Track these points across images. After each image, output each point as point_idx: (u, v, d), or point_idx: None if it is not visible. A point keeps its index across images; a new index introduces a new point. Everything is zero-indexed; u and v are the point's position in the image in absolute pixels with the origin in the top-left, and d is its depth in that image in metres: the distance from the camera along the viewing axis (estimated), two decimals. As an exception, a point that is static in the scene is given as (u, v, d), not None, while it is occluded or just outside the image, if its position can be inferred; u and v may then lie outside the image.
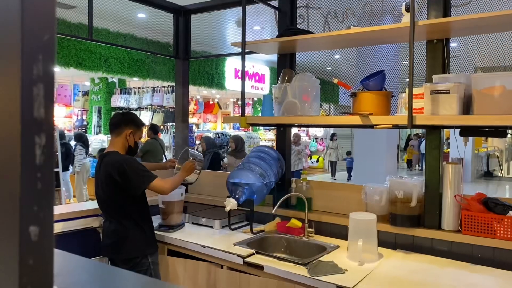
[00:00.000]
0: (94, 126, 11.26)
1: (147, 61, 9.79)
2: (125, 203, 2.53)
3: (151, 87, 10.22)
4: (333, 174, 13.63)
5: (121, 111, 3.22)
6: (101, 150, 7.43)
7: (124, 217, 2.54)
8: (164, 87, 10.02)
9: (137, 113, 10.32)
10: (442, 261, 2.31)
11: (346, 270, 2.15)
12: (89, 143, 9.23)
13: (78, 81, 11.70)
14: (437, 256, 2.38)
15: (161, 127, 9.94)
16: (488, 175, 14.91)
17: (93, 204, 2.77)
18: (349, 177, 12.85)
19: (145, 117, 10.13)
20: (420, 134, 16.76)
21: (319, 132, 15.33)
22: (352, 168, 12.73)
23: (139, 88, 10.54)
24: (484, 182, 13.99)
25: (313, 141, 15.23)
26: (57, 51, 8.18)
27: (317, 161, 14.98)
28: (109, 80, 10.87)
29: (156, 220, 2.96)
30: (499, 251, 2.22)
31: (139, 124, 2.67)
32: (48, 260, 0.35)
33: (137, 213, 2.57)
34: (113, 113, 10.63)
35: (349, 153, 13.49)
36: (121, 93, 10.69)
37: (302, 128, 13.22)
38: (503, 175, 15.67)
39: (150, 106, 10.24)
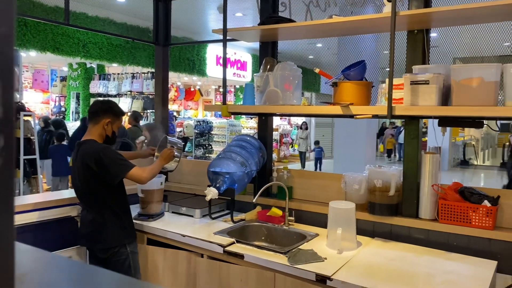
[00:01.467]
0: (72, 112, 11.04)
1: (126, 46, 9.60)
2: (102, 193, 2.50)
3: (131, 73, 10.05)
4: (303, 165, 13.06)
5: (100, 99, 3.14)
6: (74, 138, 7.18)
7: (102, 206, 2.51)
8: (144, 73, 9.87)
9: (116, 99, 10.16)
10: (419, 249, 2.36)
11: (326, 258, 2.18)
12: (67, 129, 9.05)
13: (55, 66, 11.42)
14: (414, 244, 2.42)
15: (141, 114, 9.80)
16: (464, 163, 15.25)
17: (71, 193, 2.72)
18: (316, 169, 12.27)
19: (125, 103, 9.98)
20: (395, 123, 16.89)
21: (300, 120, 15.37)
22: (321, 159, 12.36)
23: (118, 74, 10.36)
24: (460, 170, 14.31)
25: (295, 129, 15.27)
26: (33, 35, 7.96)
27: (309, 148, 15.09)
28: (88, 66, 10.64)
29: (135, 209, 2.94)
30: (474, 239, 2.27)
31: (118, 113, 2.62)
32: (6, 262, 0.33)
33: (115, 203, 2.54)
34: (91, 99, 10.43)
35: (317, 142, 13.03)
36: (100, 79, 10.48)
37: (283, 117, 13.24)
38: (479, 164, 16.05)
39: (129, 93, 10.09)
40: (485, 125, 2.42)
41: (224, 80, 2.83)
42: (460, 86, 2.13)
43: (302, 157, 13.18)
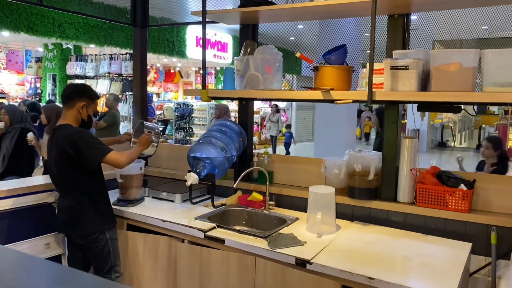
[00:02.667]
0: (49, 94, 10.77)
1: (104, 27, 9.35)
2: (79, 178, 2.45)
3: (109, 54, 9.82)
4: (274, 150, 12.31)
5: (74, 83, 3.06)
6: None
7: (79, 192, 2.47)
8: (122, 54, 9.66)
9: (94, 81, 9.94)
10: (397, 232, 2.40)
11: (305, 242, 2.20)
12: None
13: (30, 46, 11.08)
14: (392, 227, 2.46)
15: (120, 96, 9.63)
16: (442, 145, 15.56)
17: (48, 179, 2.66)
18: (287, 154, 11.67)
19: (103, 85, 9.78)
20: (371, 106, 16.83)
21: (281, 103, 15.35)
22: (290, 144, 11.92)
23: (96, 55, 10.11)
24: (438, 152, 14.60)
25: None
26: (6, 14, 7.67)
27: (280, 132, 15.08)
28: (64, 47, 10.35)
29: (114, 195, 2.90)
30: (451, 222, 2.32)
31: (93, 96, 2.55)
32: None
33: (93, 188, 2.50)
34: (69, 81, 10.18)
35: (288, 126, 12.51)
36: (77, 60, 10.22)
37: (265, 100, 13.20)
38: (456, 145, 16.39)
39: (107, 74, 9.87)
40: (462, 110, 2.46)
41: (204, 63, 2.78)
42: (439, 71, 2.14)
43: (273, 141, 12.42)
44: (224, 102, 13.09)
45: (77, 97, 2.48)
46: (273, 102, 12.45)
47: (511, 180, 2.40)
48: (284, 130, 13.08)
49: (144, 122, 2.89)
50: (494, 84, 2.06)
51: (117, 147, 2.77)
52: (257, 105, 13.42)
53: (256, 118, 13.32)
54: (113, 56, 9.72)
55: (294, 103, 15.44)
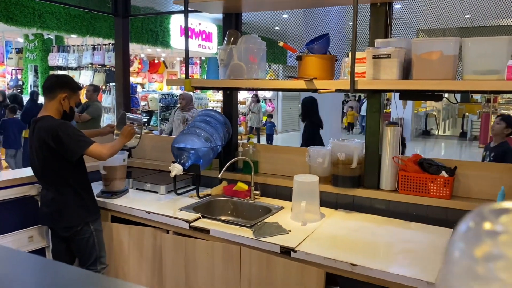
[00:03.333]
0: (31, 86, 10.57)
1: (86, 17, 9.18)
2: (61, 170, 2.42)
3: (91, 45, 9.66)
4: (257, 141, 11.50)
5: (55, 74, 3.01)
6: (26, 111, 6.82)
7: (62, 184, 2.44)
8: (105, 44, 9.50)
9: (76, 72, 9.79)
10: (380, 219, 2.43)
11: (290, 231, 2.22)
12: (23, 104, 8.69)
13: (10, 37, 10.83)
14: (375, 214, 2.50)
15: (103, 87, 9.51)
16: (426, 133, 15.76)
17: (30, 171, 2.62)
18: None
19: (86, 76, 9.63)
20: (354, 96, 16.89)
21: (267, 93, 15.33)
22: (272, 135, 11.51)
23: (78, 45, 9.93)
24: (422, 140, 14.79)
25: (262, 102, 15.24)
26: (-17, 4, 7.47)
27: (261, 122, 15.07)
28: (45, 37, 10.14)
29: (98, 187, 2.88)
30: (432, 209, 2.37)
31: (75, 87, 2.52)
32: None
33: (76, 180, 2.48)
34: (50, 72, 10.00)
35: (270, 116, 12.15)
36: (59, 51, 10.03)
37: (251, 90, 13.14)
38: (440, 134, 16.62)
39: (90, 65, 9.72)
40: (444, 98, 2.49)
41: (187, 53, 2.76)
42: (420, 59, 2.16)
43: (255, 132, 12.00)
44: (210, 92, 13.03)
45: (59, 88, 2.44)
46: (253, 92, 11.94)
47: (491, 167, 2.45)
48: (265, 118, 12.62)
49: (127, 113, 2.87)
50: (474, 72, 2.09)
51: (100, 139, 2.75)
52: (243, 95, 13.36)
53: (242, 108, 13.27)
54: (96, 46, 9.56)
55: (280, 93, 15.44)
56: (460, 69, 2.18)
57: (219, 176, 2.70)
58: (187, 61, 2.77)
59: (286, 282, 2.05)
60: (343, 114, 16.13)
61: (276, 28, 11.94)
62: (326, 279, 1.96)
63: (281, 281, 2.07)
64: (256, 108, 11.93)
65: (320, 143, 4.99)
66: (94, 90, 6.62)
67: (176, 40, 10.99)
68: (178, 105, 6.47)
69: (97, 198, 2.67)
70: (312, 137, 5.21)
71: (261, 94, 14.96)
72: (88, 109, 6.26)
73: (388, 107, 14.25)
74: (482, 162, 2.39)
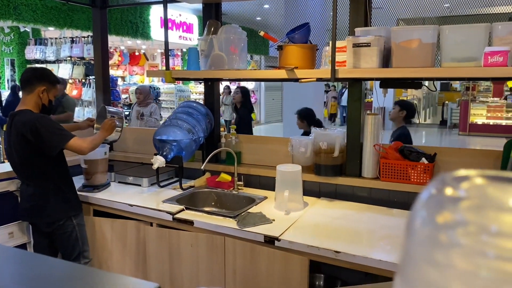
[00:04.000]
0: (8, 80, 10.33)
1: (63, 8, 8.98)
2: (41, 165, 2.38)
3: (70, 38, 9.47)
4: None
5: (32, 66, 2.95)
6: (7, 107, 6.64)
7: (42, 179, 2.40)
8: (84, 37, 9.32)
9: (55, 66, 9.60)
10: (362, 206, 2.47)
11: (274, 220, 2.23)
12: (2, 99, 8.50)
13: (-16, 30, 10.53)
14: (357, 202, 2.53)
15: (83, 80, 9.35)
16: (407, 122, 15.92)
17: (9, 166, 2.57)
18: None
19: (65, 70, 9.46)
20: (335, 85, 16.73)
21: (250, 84, 15.29)
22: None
23: (56, 38, 9.72)
24: (403, 129, 14.93)
25: (245, 93, 15.20)
26: (-45, -4, 7.24)
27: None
28: (22, 30, 9.89)
29: (79, 181, 2.85)
30: (413, 195, 2.40)
31: (53, 80, 2.47)
32: None
33: (56, 174, 2.44)
34: (28, 66, 9.78)
35: None
36: (36, 44, 9.81)
37: (233, 81, 13.05)
38: (420, 122, 16.85)
39: (69, 58, 9.54)
40: (424, 86, 2.52)
41: (166, 44, 2.73)
42: (399, 48, 2.18)
43: (227, 126, 11.17)
44: (192, 84, 12.95)
45: (37, 81, 2.39)
46: (225, 84, 11.30)
47: (470, 152, 2.50)
48: (254, 116, 12.40)
49: (107, 106, 2.83)
50: (452, 60, 2.12)
51: (80, 133, 2.71)
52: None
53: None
54: (74, 39, 9.38)
55: (262, 84, 15.43)
56: (439, 57, 2.21)
57: (202, 167, 2.69)
58: (166, 51, 2.74)
59: (271, 270, 2.07)
60: (325, 104, 16.08)
61: (258, 18, 11.90)
62: (310, 266, 1.98)
63: (265, 270, 2.09)
64: (229, 100, 11.12)
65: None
66: (61, 83, 6.41)
67: (157, 31, 10.84)
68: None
69: (78, 192, 2.63)
70: (249, 124, 6.13)
71: (243, 85, 14.91)
72: (62, 103, 6.09)
73: (370, 97, 14.38)
74: (460, 148, 2.44)
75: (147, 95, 5.70)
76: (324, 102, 15.70)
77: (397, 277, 0.35)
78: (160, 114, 11.03)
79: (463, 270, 0.30)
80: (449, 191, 0.33)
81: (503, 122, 12.76)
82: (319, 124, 4.49)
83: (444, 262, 0.31)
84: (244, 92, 6.39)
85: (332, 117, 16.47)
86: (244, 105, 6.28)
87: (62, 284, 1.27)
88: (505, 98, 13.37)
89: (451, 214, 0.32)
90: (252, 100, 15.10)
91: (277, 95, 16.58)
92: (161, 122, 3.87)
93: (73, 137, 2.35)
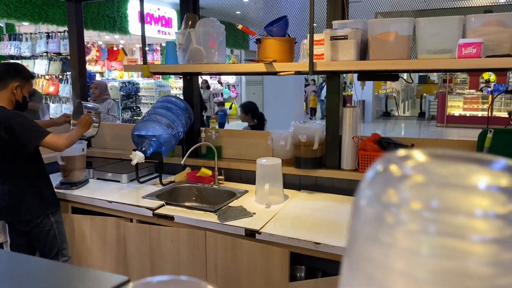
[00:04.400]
0: (-19, 77, 10.04)
1: (37, 3, 8.77)
2: (17, 162, 2.33)
3: (46, 33, 9.26)
4: None
5: (5, 62, 2.87)
6: None
7: (18, 176, 2.35)
8: (60, 32, 9.12)
9: (31, 61, 9.38)
10: (341, 198, 2.49)
11: (254, 213, 2.24)
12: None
13: (-45, 25, 10.21)
14: (337, 194, 2.55)
15: (60, 76, 9.17)
16: (387, 115, 16.16)
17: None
18: None
19: (41, 66, 9.25)
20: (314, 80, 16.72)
21: (231, 79, 15.26)
22: (224, 124, 10.95)
23: (31, 33, 9.50)
24: (383, 121, 15.18)
25: (226, 88, 15.16)
26: None
27: (230, 108, 15.00)
28: (-6, 25, 9.63)
29: (57, 178, 2.80)
30: (390, 186, 2.44)
31: (27, 76, 2.41)
32: None
33: (32, 172, 2.39)
34: (2, 62, 9.54)
35: (221, 104, 11.60)
36: (10, 40, 9.55)
37: (214, 75, 12.98)
38: (400, 114, 17.10)
39: (45, 54, 9.34)
40: (400, 78, 2.55)
41: (143, 38, 2.70)
42: (376, 40, 2.20)
43: (207, 121, 10.63)
44: (172, 79, 12.83)
45: (10, 77, 2.33)
46: (203, 78, 11.09)
47: (446, 143, 2.55)
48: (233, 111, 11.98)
49: (83, 102, 2.78)
50: (427, 52, 2.15)
51: (56, 130, 2.66)
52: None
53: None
54: (50, 34, 9.17)
55: (243, 78, 15.40)
56: (415, 49, 2.24)
57: (182, 162, 2.68)
58: (144, 45, 2.71)
59: (252, 263, 2.08)
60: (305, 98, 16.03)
61: (237, 12, 11.84)
62: (291, 258, 2.00)
63: (247, 263, 2.10)
64: (206, 94, 10.95)
65: None
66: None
67: (135, 26, 10.69)
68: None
69: (56, 190, 2.59)
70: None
71: (224, 80, 14.90)
72: (31, 97, 5.92)
73: (350, 90, 14.50)
74: (437, 139, 2.49)
75: (104, 91, 5.35)
76: (305, 96, 15.73)
77: (344, 257, 0.36)
78: (139, 108, 10.91)
79: (406, 247, 0.31)
80: (393, 169, 0.34)
81: (479, 114, 13.05)
82: (261, 118, 4.61)
83: (388, 240, 0.32)
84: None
85: (312, 111, 16.48)
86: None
87: (39, 282, 1.25)
88: (481, 90, 13.65)
89: (395, 192, 0.33)
90: (233, 94, 15.08)
91: (258, 89, 16.55)
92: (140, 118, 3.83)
93: (48, 133, 2.31)
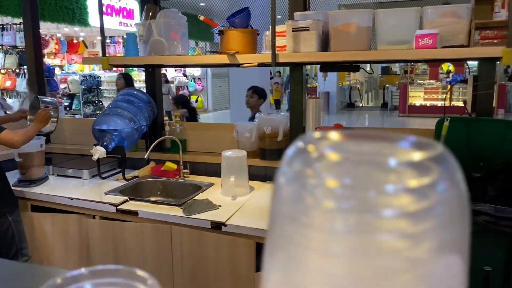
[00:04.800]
0: None
1: (-10, -7, 8.36)
2: (-31, 161, 2.23)
3: (0, 25, 8.86)
4: None
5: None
6: None
7: (-29, 176, 2.25)
8: (16, 24, 8.75)
9: (-16, 55, 8.96)
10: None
11: (220, 206, 2.23)
12: None
13: None
14: (302, 184, 2.58)
15: (17, 70, 8.81)
16: (351, 106, 16.47)
17: None
18: None
19: (-4, 59, 8.85)
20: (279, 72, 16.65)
21: (196, 71, 15.09)
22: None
23: (-17, 25, 9.06)
24: (347, 112, 15.45)
25: (191, 81, 14.99)
26: None
27: (196, 101, 14.85)
28: None
29: (14, 175, 2.70)
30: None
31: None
32: None
33: (-13, 170, 2.30)
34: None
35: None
36: (-39, 32, 9.08)
37: (179, 68, 12.82)
38: (363, 105, 17.46)
39: (0, 47, 8.94)
40: (361, 69, 2.60)
41: (102, 29, 2.62)
42: (337, 32, 2.23)
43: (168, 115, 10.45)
44: (135, 71, 12.54)
45: None
46: (162, 71, 11.02)
47: (406, 132, 2.61)
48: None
49: (39, 96, 2.68)
50: (387, 43, 2.20)
51: (12, 126, 2.56)
52: (171, 74, 13.02)
53: (171, 88, 12.93)
54: (5, 26, 8.78)
55: (209, 71, 15.27)
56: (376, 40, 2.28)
57: (145, 156, 2.64)
58: (103, 37, 2.64)
59: (219, 255, 2.08)
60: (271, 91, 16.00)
61: (201, 4, 11.71)
62: (256, 249, 2.01)
63: (213, 255, 2.09)
64: (165, 88, 10.14)
65: None
66: None
67: (95, 18, 10.35)
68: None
69: (14, 188, 2.50)
70: None
71: (189, 72, 14.71)
72: None
73: (315, 82, 14.65)
74: (397, 129, 2.56)
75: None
76: (270, 89, 15.71)
77: (267, 236, 0.37)
78: (101, 102, 10.57)
79: (322, 226, 0.32)
80: (310, 149, 0.35)
81: (439, 103, 13.49)
82: (193, 111, 4.67)
83: (305, 219, 0.33)
84: (127, 78, 6.12)
85: (277, 103, 16.46)
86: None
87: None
88: (440, 81, 14.11)
89: (311, 171, 0.34)
90: (199, 87, 14.93)
91: (224, 82, 16.47)
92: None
93: (3, 130, 2.21)
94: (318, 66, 2.58)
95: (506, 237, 1.79)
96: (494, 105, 2.41)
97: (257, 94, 4.24)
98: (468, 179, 2.17)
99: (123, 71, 7.58)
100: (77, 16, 10.00)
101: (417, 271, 0.31)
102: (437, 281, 0.32)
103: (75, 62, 13.27)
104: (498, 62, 2.21)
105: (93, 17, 10.32)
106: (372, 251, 0.31)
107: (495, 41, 2.06)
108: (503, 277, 1.78)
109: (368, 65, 2.68)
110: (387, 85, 16.58)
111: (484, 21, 2.06)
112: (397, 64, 16.93)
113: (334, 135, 0.36)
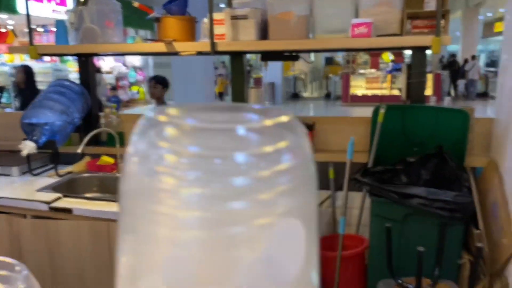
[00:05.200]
0: None
1: None
2: None
3: None
4: None
5: None
6: None
7: None
8: None
9: None
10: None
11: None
12: None
13: None
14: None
15: None
16: (295, 96, 16.70)
17: None
18: None
19: None
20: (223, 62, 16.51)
21: (137, 61, 14.61)
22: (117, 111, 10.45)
23: None
24: (292, 102, 15.67)
25: (132, 70, 14.50)
26: None
27: (138, 92, 14.40)
28: None
29: None
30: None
31: None
32: None
33: None
34: None
35: (113, 89, 10.99)
36: None
37: (118, 57, 12.35)
38: (308, 95, 17.78)
39: None
40: (301, 58, 2.61)
41: (28, 15, 2.44)
42: (275, 20, 2.22)
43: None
44: (71, 61, 11.93)
45: None
46: (121, 60, 10.91)
47: (346, 120, 2.68)
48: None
49: None
50: (324, 32, 2.22)
51: None
52: (110, 64, 12.53)
53: (111, 78, 12.47)
54: None
55: (150, 61, 14.86)
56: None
57: (79, 151, 2.50)
58: (29, 24, 2.46)
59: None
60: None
61: (141, -8, 11.32)
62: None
63: (154, 251, 2.03)
64: (97, 79, 10.15)
65: None
66: None
67: (24, 5, 9.73)
68: None
69: None
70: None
71: (129, 62, 14.19)
72: None
73: (260, 73, 14.69)
74: (338, 117, 2.62)
75: None
76: (214, 80, 15.54)
77: (120, 214, 0.41)
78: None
79: (169, 199, 0.33)
80: (161, 119, 0.38)
81: (379, 92, 14.00)
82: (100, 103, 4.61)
83: (152, 193, 0.35)
84: (28, 71, 5.78)
85: (221, 95, 16.27)
86: (28, 86, 5.69)
87: None
88: (381, 70, 14.62)
89: (154, 150, 0.36)
90: (140, 78, 14.49)
91: (166, 72, 16.06)
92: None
93: None
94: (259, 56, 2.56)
95: (439, 218, 1.88)
96: (430, 93, 2.52)
97: (160, 84, 4.18)
98: (404, 164, 2.26)
99: (25, 64, 7.17)
100: (4, 3, 9.31)
101: (263, 236, 0.33)
102: (278, 244, 0.33)
103: (4, 52, 12.42)
104: (428, 51, 2.29)
105: (21, 4, 9.64)
106: (221, 220, 0.32)
107: (425, 31, 2.14)
108: (435, 256, 1.87)
109: (312, 54, 2.70)
110: (330, 75, 16.95)
111: (415, 11, 2.13)
112: (340, 54, 17.34)
113: (182, 108, 0.37)
